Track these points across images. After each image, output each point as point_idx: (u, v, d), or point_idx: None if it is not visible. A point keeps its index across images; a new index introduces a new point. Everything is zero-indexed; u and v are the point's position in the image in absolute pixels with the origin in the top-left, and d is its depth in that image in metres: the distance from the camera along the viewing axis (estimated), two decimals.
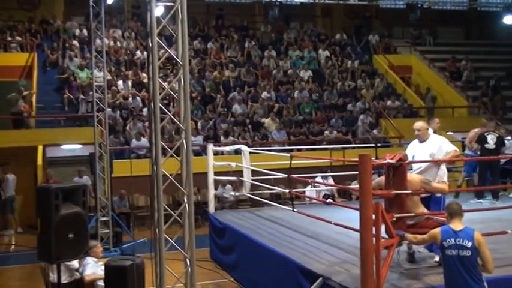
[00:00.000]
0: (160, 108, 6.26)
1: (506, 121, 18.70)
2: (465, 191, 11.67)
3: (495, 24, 20.85)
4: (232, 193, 12.81)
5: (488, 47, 24.06)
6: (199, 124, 16.41)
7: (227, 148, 12.49)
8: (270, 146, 15.40)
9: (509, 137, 12.50)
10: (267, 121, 16.98)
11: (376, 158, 8.91)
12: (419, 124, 7.32)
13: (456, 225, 5.39)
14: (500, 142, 11.04)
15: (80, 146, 15.09)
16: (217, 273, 9.77)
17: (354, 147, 15.03)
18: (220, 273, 9.77)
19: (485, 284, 5.28)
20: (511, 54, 22.08)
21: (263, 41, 21.14)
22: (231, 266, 9.56)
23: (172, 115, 6.61)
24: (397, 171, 6.24)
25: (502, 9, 18.34)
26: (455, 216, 5.44)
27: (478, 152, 11.37)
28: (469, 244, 5.23)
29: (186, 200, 6.19)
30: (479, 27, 24.88)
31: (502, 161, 11.78)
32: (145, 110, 16.20)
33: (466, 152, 11.73)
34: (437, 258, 6.35)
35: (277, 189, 11.22)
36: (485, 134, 11.21)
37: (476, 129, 11.83)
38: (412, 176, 6.53)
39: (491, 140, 10.98)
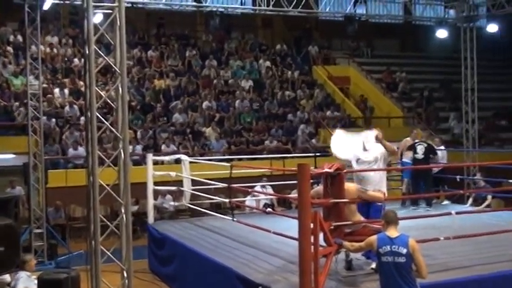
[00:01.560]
0: (98, 117, 6.14)
1: (439, 131, 19.33)
2: (400, 199, 11.95)
3: (428, 38, 21.53)
4: (172, 203, 12.67)
5: (422, 59, 24.86)
6: (138, 133, 16.18)
7: (167, 158, 12.37)
8: (211, 156, 15.36)
9: (442, 147, 12.92)
10: (207, 130, 16.93)
11: (315, 168, 9.04)
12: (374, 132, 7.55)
13: (392, 233, 5.52)
14: (428, 151, 11.43)
15: (13, 155, 14.58)
16: (156, 285, 9.63)
17: (293, 157, 15.14)
18: (159, 284, 9.63)
19: None
20: (444, 66, 22.88)
21: (204, 50, 21.10)
22: (170, 277, 9.44)
23: (110, 124, 6.49)
24: (335, 180, 6.35)
25: (434, 23, 18.98)
26: (391, 223, 5.58)
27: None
28: (404, 251, 5.37)
29: (123, 211, 6.08)
30: (414, 40, 25.67)
31: (435, 169, 12.18)
32: (82, 118, 15.83)
33: (404, 159, 12.05)
34: (373, 265, 6.47)
35: (218, 199, 11.18)
36: (416, 144, 11.58)
37: (407, 138, 12.20)
38: (349, 185, 6.66)
39: (420, 150, 11.36)
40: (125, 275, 6.01)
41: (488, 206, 11.81)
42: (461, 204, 12.19)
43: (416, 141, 11.75)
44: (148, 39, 20.89)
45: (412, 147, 11.53)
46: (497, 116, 21.69)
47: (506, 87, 23.57)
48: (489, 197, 12.09)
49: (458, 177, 13.00)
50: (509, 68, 25.69)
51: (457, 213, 7.52)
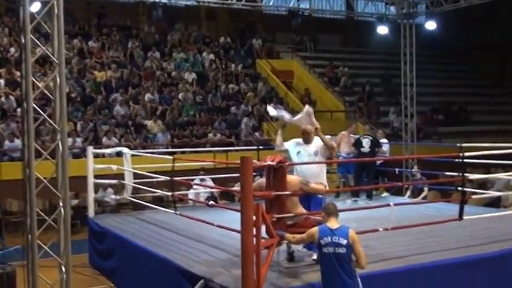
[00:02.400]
0: (35, 108, 5.96)
1: (380, 125, 19.75)
2: (342, 191, 12.15)
3: (370, 34, 21.98)
4: (113, 197, 12.45)
5: (363, 54, 25.35)
6: (78, 125, 15.83)
7: (108, 150, 12.12)
8: (153, 149, 15.18)
9: (385, 140, 13.22)
10: (150, 123, 16.73)
11: (258, 161, 9.07)
12: (308, 128, 7.55)
13: (332, 224, 5.61)
14: (374, 145, 11.66)
15: None
16: (96, 279, 9.47)
17: (237, 150, 15.17)
18: (100, 279, 9.48)
19: (359, 279, 5.54)
20: (384, 62, 23.40)
21: (146, 41, 20.82)
22: (111, 271, 9.28)
23: (48, 116, 6.31)
24: (277, 173, 6.38)
25: (375, 19, 19.39)
26: (332, 215, 5.67)
27: (352, 154, 11.96)
28: (344, 242, 5.47)
29: (61, 204, 5.94)
30: (356, 35, 26.15)
31: (378, 162, 12.46)
32: (19, 110, 15.35)
33: (341, 153, 12.25)
34: (315, 256, 6.55)
35: (160, 192, 11.06)
36: (361, 138, 11.79)
37: (343, 132, 12.41)
38: (291, 177, 6.71)
39: (366, 144, 11.57)
40: (63, 269, 5.88)
41: (425, 197, 12.18)
42: (400, 196, 12.52)
43: (358, 136, 11.96)
44: (89, 30, 20.45)
45: (358, 142, 11.73)
46: (435, 110, 22.36)
47: (443, 83, 24.35)
48: (426, 189, 12.47)
49: (397, 169, 13.33)
50: (447, 64, 26.58)
51: (395, 204, 7.68)
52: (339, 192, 12.00)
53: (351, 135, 12.35)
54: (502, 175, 11.79)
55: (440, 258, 6.82)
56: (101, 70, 18.35)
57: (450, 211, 8.58)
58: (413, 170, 13.15)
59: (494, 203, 12.21)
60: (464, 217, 7.57)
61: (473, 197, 9.51)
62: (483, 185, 13.98)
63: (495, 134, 19.95)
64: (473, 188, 12.02)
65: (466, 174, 8.19)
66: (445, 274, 6.69)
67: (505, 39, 25.92)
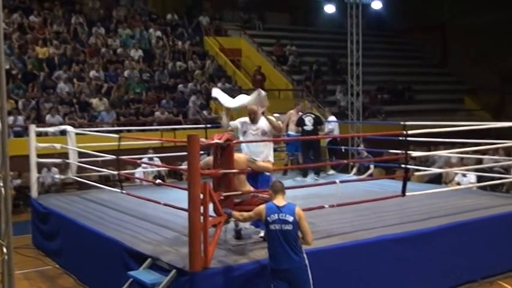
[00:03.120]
0: None
1: (327, 104, 19.97)
2: (290, 169, 12.27)
3: (318, 12, 22.09)
4: (58, 176, 12.18)
5: (311, 33, 25.46)
6: (20, 103, 15.34)
7: (51, 129, 11.84)
8: (99, 127, 14.89)
9: (333, 118, 13.38)
10: (95, 101, 16.37)
11: (206, 139, 9.02)
12: (253, 107, 7.53)
13: (279, 202, 5.67)
14: (316, 122, 11.80)
15: None
16: (40, 261, 9.27)
17: (184, 128, 15.07)
18: (44, 260, 9.28)
19: (305, 255, 5.63)
20: (332, 41, 23.58)
21: (91, 17, 20.26)
22: (56, 252, 9.12)
23: None
24: (225, 151, 6.37)
25: None
26: (278, 193, 5.72)
27: (299, 133, 12.06)
28: (291, 218, 5.53)
29: (1, 184, 5.74)
30: (304, 14, 26.20)
31: (326, 140, 12.62)
32: None
33: (289, 132, 12.34)
34: (262, 234, 6.61)
35: (106, 171, 10.88)
36: (303, 116, 11.89)
37: (291, 111, 12.50)
38: (239, 155, 6.71)
39: (308, 122, 11.69)
40: (5, 250, 5.71)
41: (370, 175, 12.44)
42: (346, 174, 12.74)
43: (302, 113, 12.05)
44: (30, 4, 19.71)
45: (300, 120, 11.82)
46: (381, 89, 22.75)
47: (389, 62, 24.78)
48: (371, 166, 12.73)
49: (343, 147, 13.53)
50: (392, 43, 27.01)
51: (341, 182, 7.82)
52: (287, 170, 12.12)
53: (300, 113, 12.44)
54: (443, 152, 12.15)
55: (383, 233, 7.01)
56: (43, 46, 17.77)
57: (394, 188, 8.81)
58: (359, 148, 13.37)
59: (436, 180, 12.57)
60: (407, 193, 7.78)
61: (416, 174, 9.75)
62: (425, 162, 14.37)
63: (438, 113, 20.49)
64: (416, 165, 12.35)
65: (409, 152, 8.39)
66: (388, 249, 6.88)
67: (449, 18, 26.57)
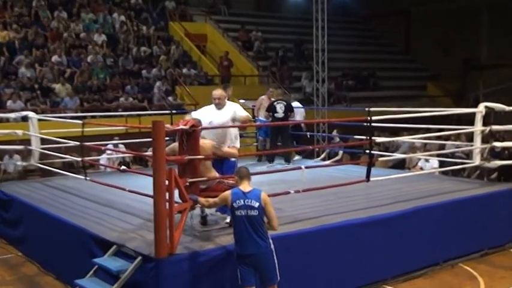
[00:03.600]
0: None
1: (292, 90, 20.03)
2: (255, 155, 12.28)
3: None
4: (20, 163, 11.95)
5: (277, 19, 25.44)
6: None
7: (12, 115, 11.60)
8: (62, 113, 14.64)
9: (298, 104, 13.42)
10: (57, 87, 16.06)
11: (171, 125, 8.95)
12: (218, 92, 7.46)
13: (245, 187, 5.68)
14: (288, 109, 11.82)
15: None
16: (2, 249, 9.12)
17: (150, 114, 14.93)
18: (6, 248, 9.14)
19: (271, 240, 5.67)
20: (298, 27, 23.58)
21: (53, 0, 19.80)
22: (19, 240, 8.98)
23: None
24: (190, 137, 6.34)
25: None
26: (244, 178, 5.73)
27: (270, 119, 12.08)
28: (256, 204, 5.56)
29: None
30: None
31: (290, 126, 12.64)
32: None
33: (260, 117, 12.34)
34: (228, 220, 6.62)
35: (70, 158, 10.72)
36: (275, 103, 11.89)
37: (263, 96, 12.51)
38: (204, 141, 6.68)
39: (280, 109, 11.70)
40: None
41: (339, 160, 12.55)
42: (311, 160, 12.82)
43: (274, 100, 12.06)
44: None
45: (271, 107, 11.82)
46: (346, 76, 22.92)
47: (354, 49, 24.95)
48: (340, 152, 12.87)
49: (308, 133, 13.61)
50: (357, 30, 27.20)
51: (306, 167, 7.87)
52: (261, 156, 12.12)
53: (271, 99, 12.46)
54: (406, 138, 12.33)
55: (349, 218, 7.09)
56: (2, 30, 17.33)
57: (358, 173, 8.90)
58: (333, 133, 13.42)
59: (400, 165, 12.77)
60: (372, 179, 7.89)
61: (380, 159, 9.89)
62: (389, 147, 14.57)
63: (402, 99, 20.77)
64: (380, 151, 12.52)
65: (373, 138, 8.50)
66: (353, 233, 6.97)
67: (412, 5, 26.87)
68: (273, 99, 12.25)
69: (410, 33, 28.05)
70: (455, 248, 8.08)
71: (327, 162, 12.45)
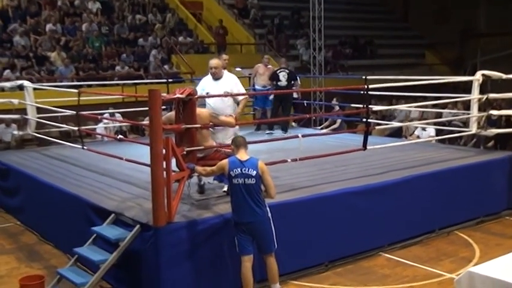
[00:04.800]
0: None
1: (289, 58, 19.90)
2: (255, 124, 12.24)
3: None
4: (16, 132, 11.92)
5: None
6: None
7: (8, 84, 11.52)
8: (57, 82, 14.54)
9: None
10: (53, 55, 15.92)
11: (168, 94, 8.92)
12: (215, 62, 7.35)
13: (242, 156, 5.69)
14: (291, 78, 11.79)
15: None
16: (1, 218, 9.17)
17: (146, 83, 14.85)
18: (5, 217, 9.19)
19: (268, 208, 5.70)
20: None
21: None
22: (17, 209, 9.03)
23: None
24: (187, 105, 6.31)
25: None
26: (241, 147, 5.74)
27: (268, 87, 12.05)
28: (254, 172, 5.58)
29: None
30: None
31: (294, 95, 12.62)
32: None
33: (256, 86, 12.29)
34: (225, 188, 6.64)
35: (66, 127, 10.69)
36: (278, 71, 11.85)
37: (258, 64, 12.44)
38: (201, 110, 6.66)
39: (283, 77, 11.69)
40: None
41: (337, 128, 12.59)
42: (308, 128, 12.83)
43: (277, 68, 12.02)
44: None
45: (274, 75, 11.78)
46: (343, 43, 22.75)
47: (351, 16, 24.69)
48: (338, 120, 12.88)
49: (305, 102, 13.59)
50: None
51: (303, 136, 7.86)
52: (260, 125, 12.10)
53: (270, 66, 12.41)
54: (403, 106, 12.33)
55: (345, 186, 7.13)
56: None
57: (355, 142, 8.93)
58: (332, 102, 13.40)
59: (396, 133, 12.79)
60: (368, 147, 7.90)
61: (377, 127, 9.89)
62: (386, 116, 14.58)
63: (399, 67, 20.66)
64: (377, 119, 12.52)
65: (370, 106, 8.48)
66: (350, 201, 7.01)
67: None
68: (269, 66, 12.20)
69: (408, 1, 27.77)
70: (451, 216, 8.15)
71: (324, 130, 12.46)
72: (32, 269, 6.92)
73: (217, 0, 22.31)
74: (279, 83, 11.66)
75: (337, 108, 13.21)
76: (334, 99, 13.44)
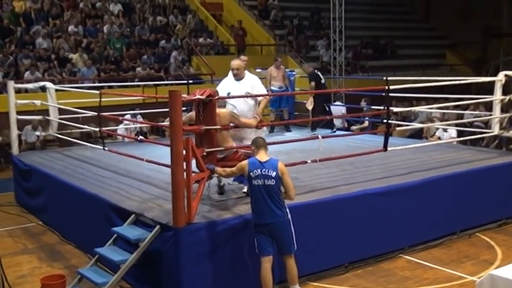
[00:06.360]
0: None
1: (309, 59, 19.89)
2: (277, 125, 12.22)
3: None
4: (38, 133, 12.06)
5: None
6: None
7: (30, 85, 11.65)
8: (79, 83, 14.70)
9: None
10: (74, 57, 16.10)
11: (188, 95, 8.95)
12: (237, 63, 7.35)
13: (262, 157, 5.69)
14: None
15: None
16: (23, 218, 9.28)
17: (166, 84, 14.94)
18: (27, 217, 9.30)
19: (287, 210, 5.69)
20: None
21: None
22: (39, 209, 9.13)
23: None
24: (207, 106, 6.32)
25: None
26: (261, 148, 5.74)
27: (284, 88, 12.06)
28: (273, 174, 5.57)
29: None
30: None
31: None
32: None
33: (272, 88, 12.27)
34: (245, 189, 6.64)
35: (87, 128, 10.80)
36: (315, 71, 11.98)
37: (272, 67, 12.41)
38: (222, 110, 6.66)
39: (322, 76, 11.88)
40: None
41: (364, 129, 12.61)
42: (329, 129, 12.76)
43: (312, 69, 12.17)
44: None
45: (316, 75, 11.85)
46: (364, 44, 22.63)
47: (372, 17, 24.56)
48: (366, 122, 12.91)
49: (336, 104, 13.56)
50: None
51: (323, 137, 7.84)
52: (274, 127, 12.09)
53: (282, 67, 12.40)
54: (424, 108, 12.22)
55: (366, 188, 7.08)
56: (19, 0, 17.34)
57: (376, 143, 8.87)
58: (361, 103, 13.35)
59: (417, 135, 12.68)
60: (389, 148, 7.84)
61: (398, 128, 9.81)
62: (407, 117, 14.47)
63: (420, 68, 20.51)
64: (397, 120, 12.43)
65: (391, 107, 8.41)
66: (370, 203, 6.97)
67: None
68: (281, 67, 12.24)
69: (430, 1, 27.54)
70: (473, 218, 8.05)
71: (343, 132, 12.41)
72: (53, 269, 6.99)
73: (238, 2, 22.36)
74: (322, 81, 11.76)
75: (365, 109, 13.16)
76: (363, 100, 13.33)
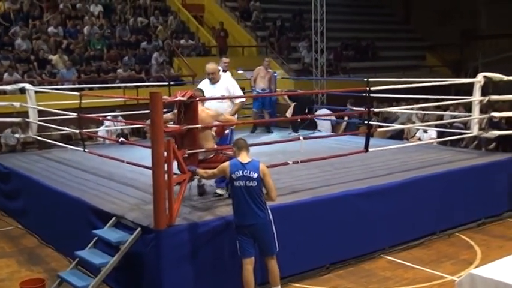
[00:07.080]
0: None
1: (291, 60, 19.94)
2: (258, 124, 12.25)
3: None
4: (17, 135, 11.92)
5: None
6: None
7: (9, 87, 11.53)
8: (59, 85, 14.56)
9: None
10: (54, 58, 15.94)
11: (169, 96, 8.91)
12: (212, 67, 7.42)
13: (243, 158, 5.69)
14: None
15: None
16: (2, 221, 9.18)
17: (147, 86, 14.86)
18: (6, 220, 9.19)
19: (269, 211, 5.70)
20: None
21: None
22: (18, 213, 9.03)
23: None
24: (189, 108, 6.31)
25: None
26: (242, 149, 5.74)
27: (267, 90, 12.10)
28: (255, 175, 5.57)
29: None
30: None
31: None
32: None
33: (257, 89, 12.31)
34: (218, 191, 6.68)
35: (67, 130, 10.70)
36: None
37: (259, 67, 12.46)
38: (204, 109, 6.64)
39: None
40: None
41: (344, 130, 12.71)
42: (311, 130, 12.81)
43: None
44: None
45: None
46: (345, 46, 22.73)
47: (353, 19, 24.68)
48: (344, 123, 12.95)
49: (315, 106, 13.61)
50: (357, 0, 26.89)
51: (305, 138, 7.86)
52: (255, 127, 12.13)
53: (270, 70, 12.46)
54: (405, 109, 12.30)
55: (347, 189, 7.12)
56: None
57: (357, 144, 8.91)
58: (347, 105, 13.40)
59: (398, 136, 12.77)
60: (370, 149, 7.89)
61: (379, 129, 9.88)
62: (388, 118, 14.55)
63: (401, 69, 20.65)
64: (378, 122, 12.51)
65: (371, 108, 8.47)
66: (352, 204, 7.00)
67: None
68: (269, 70, 12.25)
69: (410, 3, 27.76)
70: (453, 218, 8.13)
71: (325, 133, 12.45)
72: (32, 273, 6.91)
73: (219, 3, 22.33)
74: None
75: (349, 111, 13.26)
76: (348, 101, 13.39)
